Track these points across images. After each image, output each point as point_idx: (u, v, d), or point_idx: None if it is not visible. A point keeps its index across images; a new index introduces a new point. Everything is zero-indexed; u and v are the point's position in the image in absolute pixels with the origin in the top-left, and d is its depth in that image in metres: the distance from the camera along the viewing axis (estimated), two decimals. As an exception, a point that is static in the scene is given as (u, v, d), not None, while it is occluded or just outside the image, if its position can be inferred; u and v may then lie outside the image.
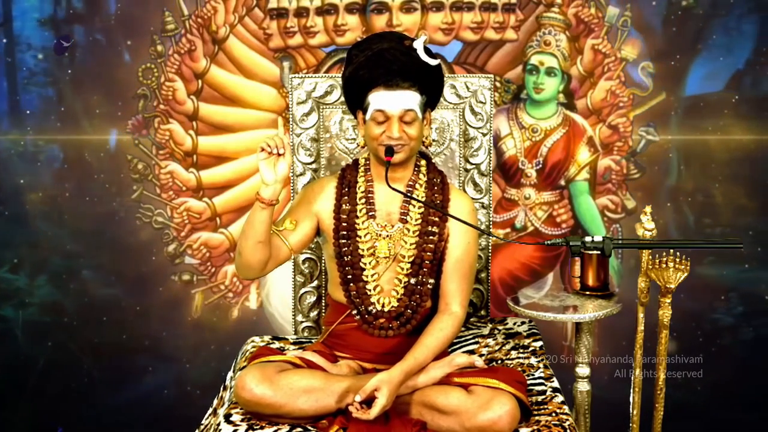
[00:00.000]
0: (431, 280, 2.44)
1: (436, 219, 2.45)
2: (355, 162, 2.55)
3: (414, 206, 2.46)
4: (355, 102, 2.45)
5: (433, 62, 2.40)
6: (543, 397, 2.38)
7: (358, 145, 2.61)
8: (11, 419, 3.81)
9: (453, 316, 2.40)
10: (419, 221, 2.45)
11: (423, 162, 2.52)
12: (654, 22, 3.61)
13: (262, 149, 2.27)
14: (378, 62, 2.36)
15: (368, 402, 2.19)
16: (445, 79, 2.56)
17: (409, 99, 2.37)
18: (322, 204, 2.49)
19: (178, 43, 3.64)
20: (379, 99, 2.36)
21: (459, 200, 2.50)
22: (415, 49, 2.37)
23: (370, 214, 2.46)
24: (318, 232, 2.51)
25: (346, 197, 2.48)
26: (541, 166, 3.68)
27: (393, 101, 2.36)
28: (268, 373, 2.25)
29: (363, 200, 2.47)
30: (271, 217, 2.31)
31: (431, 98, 2.46)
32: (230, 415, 2.29)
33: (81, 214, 3.72)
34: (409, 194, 2.45)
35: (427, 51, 2.40)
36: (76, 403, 3.80)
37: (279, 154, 2.27)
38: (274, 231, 2.38)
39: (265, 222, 2.30)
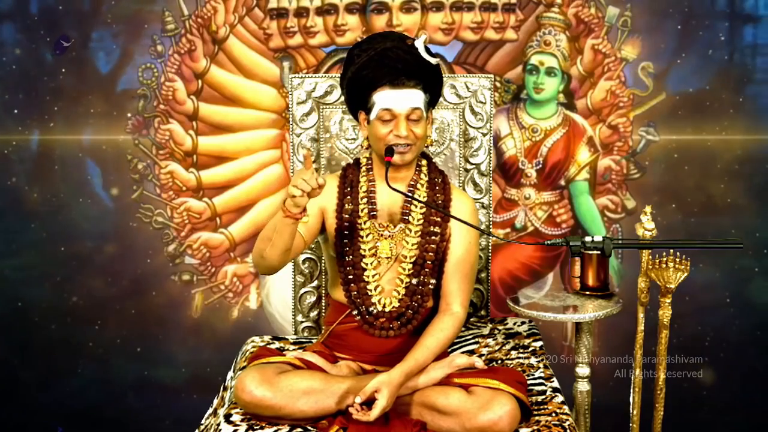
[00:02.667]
0: (432, 281, 2.44)
1: (438, 219, 2.45)
2: (357, 161, 2.55)
3: (416, 206, 2.46)
4: (358, 103, 2.44)
5: (434, 61, 2.40)
6: (543, 397, 2.38)
7: (360, 146, 2.61)
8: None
9: (454, 317, 2.40)
10: (421, 221, 2.45)
11: (424, 162, 2.52)
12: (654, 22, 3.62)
13: (298, 190, 2.15)
14: (382, 61, 2.35)
15: (368, 403, 2.19)
16: (444, 78, 2.55)
17: (415, 97, 2.37)
18: (327, 201, 2.48)
19: (178, 43, 3.64)
20: (386, 98, 2.36)
21: (460, 200, 2.50)
22: (417, 48, 2.37)
23: (372, 214, 2.46)
24: (322, 228, 2.51)
25: (348, 197, 2.48)
26: (541, 166, 3.68)
27: (400, 100, 2.36)
28: (267, 374, 2.24)
29: (365, 200, 2.47)
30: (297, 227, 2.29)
31: (433, 97, 2.46)
32: (230, 415, 2.29)
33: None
34: (410, 194, 2.45)
35: (427, 50, 2.40)
36: (69, 402, 3.80)
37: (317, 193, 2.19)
38: None
39: (294, 233, 2.28)
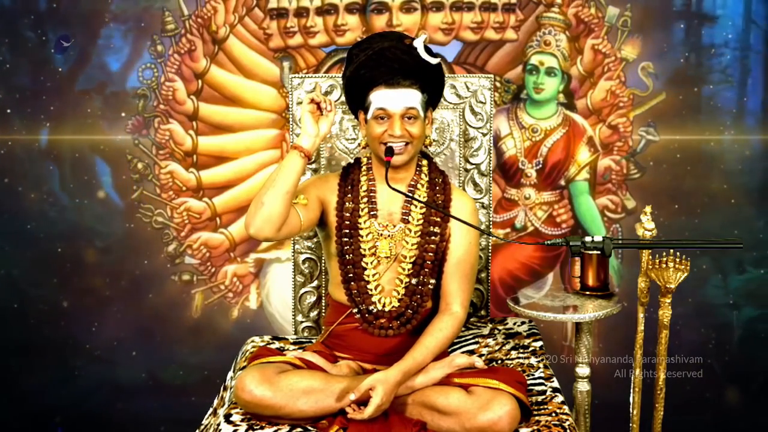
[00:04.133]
0: (432, 281, 2.44)
1: (438, 219, 2.44)
2: (357, 161, 2.55)
3: (416, 206, 2.46)
4: (357, 102, 2.45)
5: (434, 61, 2.40)
6: (543, 397, 2.38)
7: (359, 145, 2.60)
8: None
9: (453, 317, 2.40)
10: (421, 221, 2.45)
11: (425, 162, 2.52)
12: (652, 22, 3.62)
13: (312, 100, 2.30)
14: (379, 61, 2.36)
15: (365, 402, 2.19)
16: (445, 78, 2.55)
17: (410, 97, 2.37)
18: (328, 196, 2.49)
19: (178, 43, 3.64)
20: (381, 97, 2.37)
21: (460, 200, 2.50)
22: (416, 48, 2.37)
23: (372, 213, 2.46)
24: (321, 223, 2.50)
25: (349, 195, 2.48)
26: (541, 166, 3.68)
27: (395, 99, 2.36)
28: (267, 374, 2.24)
29: (365, 199, 2.47)
30: (303, 170, 2.30)
31: (432, 97, 2.46)
32: (230, 415, 2.29)
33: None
34: (410, 194, 2.45)
35: (428, 50, 2.40)
36: (67, 403, 3.80)
37: (327, 111, 2.32)
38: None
39: (297, 172, 2.28)
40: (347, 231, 2.45)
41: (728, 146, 3.65)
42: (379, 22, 3.61)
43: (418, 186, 2.48)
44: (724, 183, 3.66)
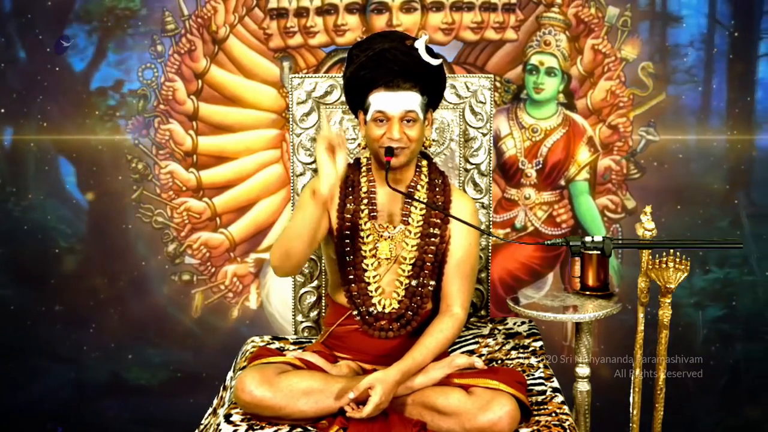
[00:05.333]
0: (432, 282, 2.44)
1: (438, 221, 2.44)
2: (357, 161, 2.55)
3: (416, 208, 2.45)
4: (357, 102, 2.44)
5: (435, 62, 2.39)
6: (543, 397, 2.38)
7: (359, 146, 2.59)
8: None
9: (454, 318, 2.39)
10: (421, 223, 2.44)
11: (424, 163, 2.52)
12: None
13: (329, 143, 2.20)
14: (379, 62, 2.35)
15: (365, 402, 2.19)
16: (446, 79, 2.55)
17: (410, 100, 2.36)
18: (331, 199, 2.48)
19: (178, 43, 3.64)
20: (380, 100, 2.36)
21: (461, 201, 2.50)
22: (417, 49, 2.37)
23: (372, 214, 2.45)
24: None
25: (350, 196, 2.47)
26: (541, 166, 3.68)
27: (394, 102, 2.35)
28: (267, 374, 2.24)
29: (365, 201, 2.46)
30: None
31: (433, 98, 2.45)
32: (230, 415, 2.29)
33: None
34: (410, 195, 2.45)
35: (429, 51, 2.39)
36: (66, 404, 3.80)
37: (340, 147, 2.22)
38: None
39: (318, 216, 2.29)
40: (348, 232, 2.44)
41: (692, 145, 3.64)
42: (379, 22, 3.61)
43: (418, 187, 2.47)
44: (695, 181, 3.66)
